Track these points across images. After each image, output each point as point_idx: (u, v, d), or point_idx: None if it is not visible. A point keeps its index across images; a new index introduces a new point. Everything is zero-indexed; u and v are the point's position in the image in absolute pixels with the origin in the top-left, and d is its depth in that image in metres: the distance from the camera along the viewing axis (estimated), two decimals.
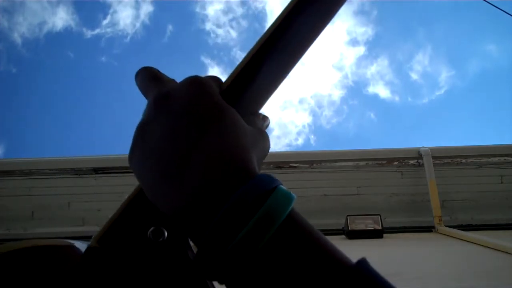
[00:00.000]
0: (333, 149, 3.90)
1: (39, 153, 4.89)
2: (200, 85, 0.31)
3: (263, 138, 0.34)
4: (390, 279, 0.27)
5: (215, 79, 0.33)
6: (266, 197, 0.25)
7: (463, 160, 3.74)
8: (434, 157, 3.68)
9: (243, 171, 0.27)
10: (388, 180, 3.71)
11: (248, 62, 0.33)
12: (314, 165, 3.73)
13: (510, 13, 3.11)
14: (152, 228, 0.30)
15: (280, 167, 3.69)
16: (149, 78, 0.34)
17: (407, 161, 3.75)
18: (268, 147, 0.35)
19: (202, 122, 0.29)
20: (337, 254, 0.26)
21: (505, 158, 3.72)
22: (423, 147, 3.77)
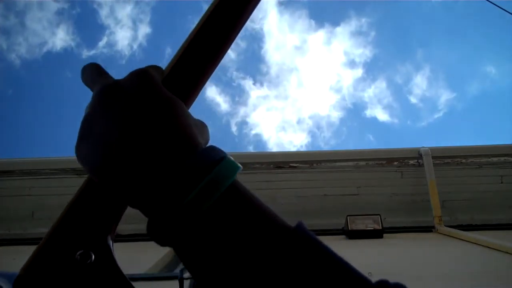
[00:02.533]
0: (333, 149, 3.90)
1: (39, 153, 4.89)
2: (145, 76, 0.34)
3: (205, 126, 0.37)
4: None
5: (156, 68, 0.37)
6: (214, 165, 0.29)
7: (463, 160, 3.74)
8: (434, 157, 3.68)
9: (191, 143, 0.31)
10: (388, 180, 3.71)
11: (183, 52, 0.38)
12: (314, 165, 3.73)
13: (510, 12, 3.11)
14: (80, 252, 0.32)
15: (280, 167, 3.69)
16: (96, 73, 0.36)
17: (407, 161, 3.75)
18: (209, 136, 0.38)
19: (150, 106, 0.32)
20: (277, 219, 0.29)
21: (505, 158, 3.72)
22: (423, 147, 3.76)
